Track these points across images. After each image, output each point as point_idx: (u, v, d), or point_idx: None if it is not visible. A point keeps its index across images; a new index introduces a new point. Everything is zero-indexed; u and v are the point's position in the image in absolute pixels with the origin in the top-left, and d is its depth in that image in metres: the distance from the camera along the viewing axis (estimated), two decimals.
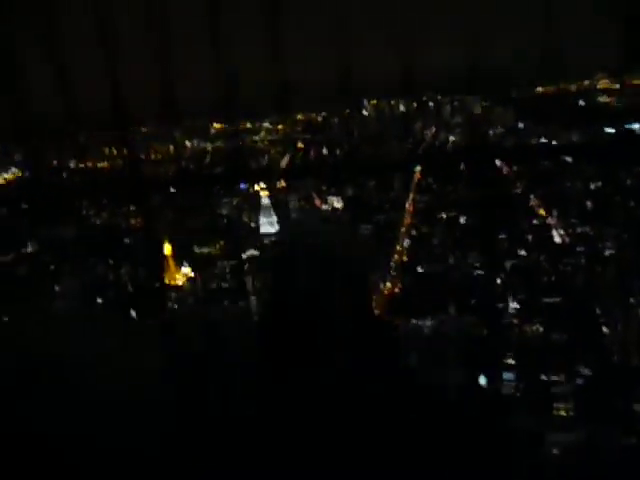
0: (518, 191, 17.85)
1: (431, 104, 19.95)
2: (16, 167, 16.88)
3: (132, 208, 18.25)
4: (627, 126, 16.12)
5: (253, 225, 18.09)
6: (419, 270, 16.79)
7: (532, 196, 17.42)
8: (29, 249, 16.98)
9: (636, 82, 16.86)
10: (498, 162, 18.64)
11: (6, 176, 15.30)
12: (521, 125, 18.62)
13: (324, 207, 19.71)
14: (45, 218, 16.72)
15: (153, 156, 18.20)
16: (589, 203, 16.43)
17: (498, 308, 15.17)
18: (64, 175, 16.55)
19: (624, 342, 12.84)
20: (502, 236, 16.35)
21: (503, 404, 12.74)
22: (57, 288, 16.32)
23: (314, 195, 20.11)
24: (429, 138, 19.50)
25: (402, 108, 20.21)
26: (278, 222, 18.07)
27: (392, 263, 17.59)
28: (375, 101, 19.86)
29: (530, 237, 16.36)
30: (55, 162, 16.94)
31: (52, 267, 16.77)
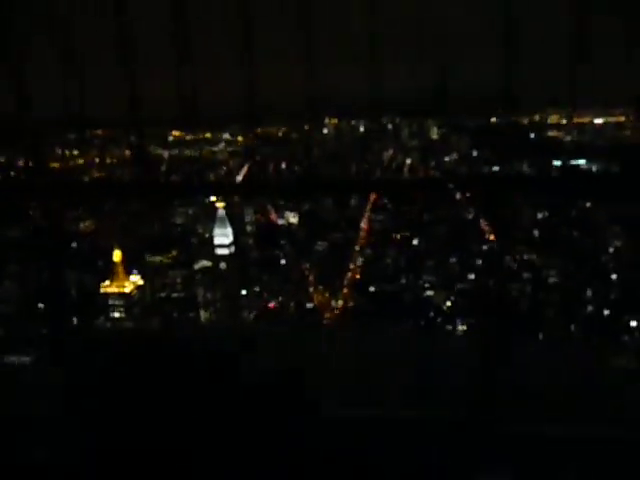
0: (469, 216, 18.37)
1: (390, 126, 20.39)
2: None
3: (80, 212, 17.70)
4: (573, 161, 16.95)
5: (207, 236, 17.87)
6: (371, 289, 17.00)
7: (482, 221, 17.97)
8: None
9: (582, 120, 17.79)
10: (451, 187, 19.09)
11: None
12: (475, 153, 19.28)
13: (280, 221, 19.69)
14: None
15: (108, 160, 17.77)
16: (536, 232, 17.10)
17: (446, 330, 15.50)
18: (12, 174, 15.92)
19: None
20: (453, 259, 16.77)
21: None
22: None
23: (270, 209, 20.08)
24: (387, 160, 19.90)
25: (362, 129, 20.55)
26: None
27: (345, 281, 17.73)
28: (335, 120, 20.13)
29: (479, 261, 16.86)
30: (2, 160, 16.29)
31: None
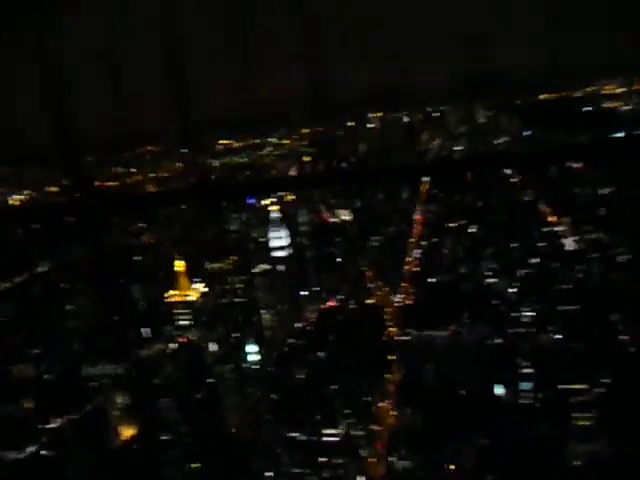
0: (527, 199, 17.81)
1: (435, 115, 20.01)
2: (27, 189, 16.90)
3: (141, 225, 18.26)
4: (635, 131, 16.10)
5: (262, 239, 18.07)
6: (430, 280, 16.74)
7: (542, 204, 17.38)
8: (41, 269, 16.98)
9: None
10: (507, 171, 18.64)
11: (18, 197, 15.33)
12: (527, 133, 18.63)
13: (332, 220, 19.69)
14: (57, 238, 16.71)
15: (160, 174, 18.24)
16: (602, 209, 16.33)
17: (512, 317, 15.06)
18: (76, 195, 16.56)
19: None
20: (514, 244, 16.29)
21: (521, 414, 12.56)
22: (68, 307, 16.29)
23: (322, 208, 20.12)
24: (435, 149, 19.55)
25: (406, 119, 20.27)
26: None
27: (403, 274, 17.53)
28: (380, 114, 19.93)
29: (542, 245, 16.29)
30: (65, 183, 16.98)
31: (64, 286, 16.75)
